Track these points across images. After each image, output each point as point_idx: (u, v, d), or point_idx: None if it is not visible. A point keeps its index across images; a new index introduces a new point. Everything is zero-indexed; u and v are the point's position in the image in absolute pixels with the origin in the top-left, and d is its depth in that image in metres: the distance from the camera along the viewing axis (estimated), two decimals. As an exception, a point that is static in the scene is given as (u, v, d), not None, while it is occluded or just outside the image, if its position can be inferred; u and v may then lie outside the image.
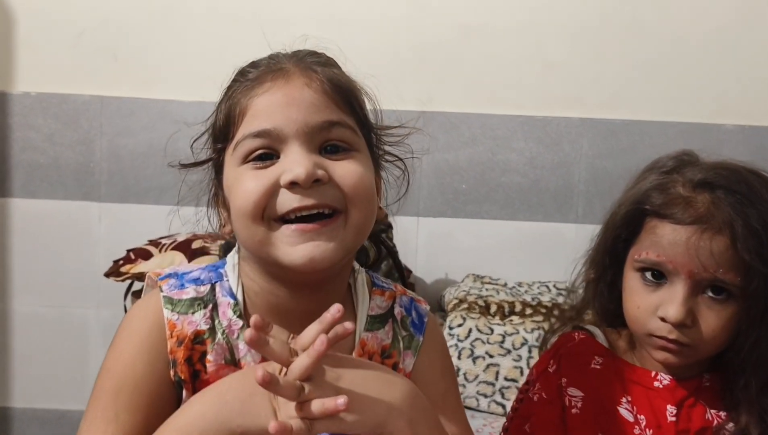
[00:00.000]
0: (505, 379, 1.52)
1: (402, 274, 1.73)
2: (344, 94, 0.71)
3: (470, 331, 1.60)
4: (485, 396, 1.54)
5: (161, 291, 0.72)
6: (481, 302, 1.69)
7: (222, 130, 0.72)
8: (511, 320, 1.64)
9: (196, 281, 0.74)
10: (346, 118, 0.70)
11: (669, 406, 0.82)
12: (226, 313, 0.72)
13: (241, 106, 0.70)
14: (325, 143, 0.69)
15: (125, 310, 1.50)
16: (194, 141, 0.78)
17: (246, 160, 0.69)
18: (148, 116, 1.89)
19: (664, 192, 0.79)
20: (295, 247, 0.66)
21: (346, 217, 0.68)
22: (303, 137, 0.67)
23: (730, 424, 0.80)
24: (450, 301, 1.74)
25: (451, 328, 1.62)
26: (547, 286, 1.81)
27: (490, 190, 1.94)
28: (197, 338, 0.71)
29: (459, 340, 1.59)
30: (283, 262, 0.67)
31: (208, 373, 0.70)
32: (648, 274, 0.80)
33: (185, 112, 1.79)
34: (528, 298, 1.73)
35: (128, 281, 1.63)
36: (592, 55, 1.90)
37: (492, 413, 1.51)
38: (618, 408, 0.83)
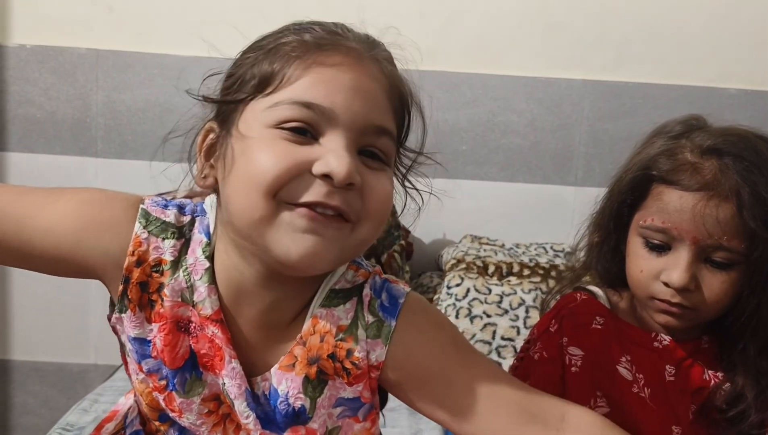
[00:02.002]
0: (502, 338, 1.54)
1: (401, 234, 1.73)
2: (402, 103, 0.67)
3: (468, 290, 1.61)
4: (482, 355, 1.56)
5: (142, 204, 0.68)
6: (479, 263, 1.70)
7: (260, 79, 0.63)
8: (509, 281, 1.65)
9: (180, 207, 0.70)
10: (395, 128, 0.66)
11: (668, 366, 0.83)
12: (195, 251, 0.68)
13: (299, 65, 0.62)
14: (367, 147, 0.64)
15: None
16: (206, 77, 0.68)
17: (278, 125, 0.61)
18: (145, 70, 1.87)
19: (672, 158, 0.79)
20: (296, 234, 0.60)
21: (355, 227, 0.63)
22: (353, 132, 0.62)
23: (727, 385, 0.81)
24: (448, 260, 1.75)
25: (449, 287, 1.63)
26: (545, 248, 1.82)
27: (490, 152, 1.93)
28: (157, 267, 0.67)
29: (457, 300, 1.60)
30: (274, 249, 0.61)
31: (164, 308, 0.67)
32: (653, 240, 0.80)
33: (182, 67, 1.77)
34: (525, 259, 1.74)
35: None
36: (596, 16, 1.88)
37: (488, 372, 1.54)
38: (617, 367, 0.84)
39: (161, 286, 0.67)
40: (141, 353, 0.69)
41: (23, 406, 2.02)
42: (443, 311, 1.59)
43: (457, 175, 1.94)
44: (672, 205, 0.78)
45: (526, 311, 1.56)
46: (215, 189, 0.67)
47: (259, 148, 0.61)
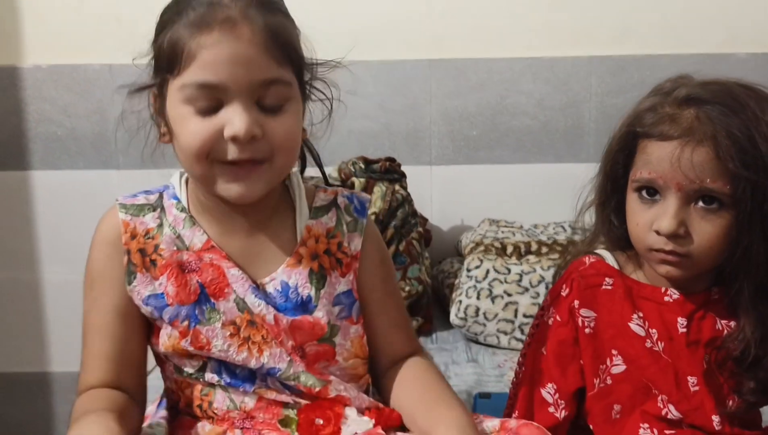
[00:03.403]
0: (524, 316, 1.56)
1: (418, 222, 1.76)
2: (283, 46, 0.77)
3: (488, 271, 1.63)
4: (505, 333, 1.57)
5: (117, 201, 0.86)
6: (497, 244, 1.72)
7: (167, 61, 0.77)
8: (528, 259, 1.66)
9: (146, 192, 0.87)
10: (284, 71, 0.77)
11: (679, 319, 0.85)
12: (172, 211, 0.85)
13: (188, 48, 0.74)
14: (262, 99, 0.77)
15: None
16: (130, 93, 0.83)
17: (189, 103, 0.76)
18: (157, 81, 1.91)
19: (653, 112, 0.82)
20: (229, 184, 0.78)
21: (272, 162, 0.78)
22: (245, 94, 0.75)
23: (737, 332, 0.82)
24: (467, 245, 1.77)
25: (468, 270, 1.65)
26: (563, 227, 1.83)
27: (501, 135, 1.94)
28: (147, 235, 0.84)
29: (477, 281, 1.62)
30: (220, 194, 0.79)
31: (164, 259, 0.83)
32: (644, 192, 0.82)
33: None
34: (544, 238, 1.75)
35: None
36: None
37: (513, 349, 1.55)
38: (629, 324, 0.86)
39: (156, 246, 0.83)
40: (158, 307, 0.83)
41: (66, 416, 2.05)
42: (464, 293, 1.61)
43: (470, 160, 1.95)
44: (654, 155, 0.80)
45: (546, 288, 1.57)
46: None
47: (182, 125, 0.77)
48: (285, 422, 0.83)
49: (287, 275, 0.84)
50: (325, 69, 0.86)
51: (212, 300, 0.83)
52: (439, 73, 1.91)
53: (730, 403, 0.84)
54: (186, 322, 0.82)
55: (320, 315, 0.84)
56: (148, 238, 0.83)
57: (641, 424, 0.84)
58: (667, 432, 0.83)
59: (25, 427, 2.08)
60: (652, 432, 0.84)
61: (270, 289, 0.84)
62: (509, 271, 1.62)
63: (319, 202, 0.89)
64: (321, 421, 0.82)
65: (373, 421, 0.82)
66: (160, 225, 0.84)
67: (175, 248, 0.83)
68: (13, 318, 2.03)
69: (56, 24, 1.90)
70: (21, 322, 2.03)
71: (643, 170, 0.82)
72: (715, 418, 0.83)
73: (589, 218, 0.96)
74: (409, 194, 1.77)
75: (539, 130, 1.93)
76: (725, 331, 0.84)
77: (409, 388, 0.86)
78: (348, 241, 0.88)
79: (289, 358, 0.82)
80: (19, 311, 2.02)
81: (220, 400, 0.84)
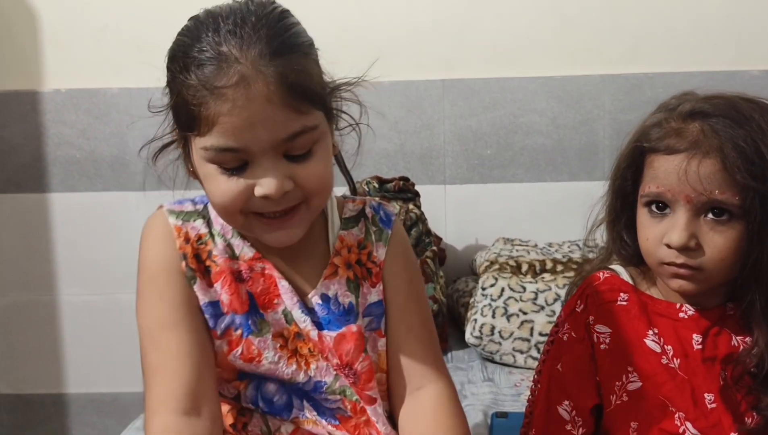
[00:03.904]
0: (540, 334, 1.55)
1: (432, 241, 1.76)
2: (304, 92, 0.73)
3: (503, 290, 1.62)
4: (521, 352, 1.56)
5: (162, 207, 0.85)
6: (512, 262, 1.71)
7: (186, 121, 0.74)
8: (543, 278, 1.66)
9: (192, 201, 0.87)
10: (307, 118, 0.74)
11: (695, 335, 0.84)
12: (218, 220, 0.84)
13: (205, 113, 0.71)
14: (288, 151, 0.75)
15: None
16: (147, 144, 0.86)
17: (215, 162, 0.74)
18: (174, 105, 1.94)
19: (659, 127, 0.82)
20: (268, 234, 0.78)
21: (308, 204, 0.78)
22: (270, 152, 0.73)
23: (756, 349, 0.81)
24: (481, 263, 1.77)
25: (483, 289, 1.65)
26: (578, 245, 1.82)
27: (515, 154, 1.95)
28: (200, 239, 0.83)
29: (492, 300, 1.61)
30: (258, 238, 0.80)
31: (219, 266, 0.82)
32: (653, 207, 0.82)
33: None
34: (559, 256, 1.74)
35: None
36: (609, 8, 1.89)
37: (529, 368, 1.54)
38: (645, 340, 0.85)
39: (210, 252, 0.83)
40: (215, 314, 0.82)
41: (82, 438, 2.09)
42: (479, 312, 1.61)
43: (483, 179, 1.96)
44: (661, 169, 0.81)
45: (562, 306, 1.57)
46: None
47: (210, 183, 0.76)
48: None
49: (326, 287, 0.85)
50: (349, 88, 0.84)
51: (261, 311, 0.83)
52: (452, 92, 1.93)
53: (749, 420, 0.83)
54: (239, 331, 0.82)
55: (362, 324, 0.85)
56: (201, 244, 0.83)
57: (659, 442, 0.83)
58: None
59: (42, 449, 2.09)
60: (670, 450, 0.83)
61: (313, 303, 0.84)
62: (524, 289, 1.62)
63: (348, 213, 0.90)
64: None
65: None
66: (210, 233, 0.84)
67: (227, 256, 0.83)
68: (31, 339, 2.05)
69: (76, 49, 1.94)
70: (38, 344, 2.05)
71: (651, 184, 0.82)
72: (734, 436, 0.82)
73: (600, 236, 0.96)
74: (423, 213, 1.78)
75: (553, 149, 1.94)
76: (741, 347, 0.83)
77: (421, 425, 0.83)
78: (375, 250, 0.88)
79: (335, 373, 0.83)
80: (37, 332, 2.04)
81: (256, 424, 0.84)
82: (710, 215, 0.79)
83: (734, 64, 1.88)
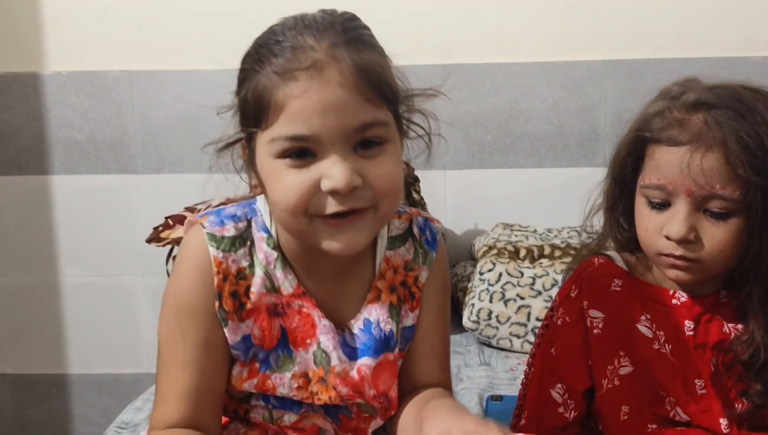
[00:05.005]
0: (537, 319, 1.56)
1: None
2: (377, 84, 0.71)
3: (500, 275, 1.63)
4: (518, 337, 1.57)
5: (203, 227, 0.78)
6: (510, 248, 1.72)
7: (253, 114, 0.72)
8: (541, 263, 1.67)
9: (234, 217, 0.80)
10: (379, 112, 0.71)
11: (687, 322, 0.85)
12: (262, 247, 0.79)
13: (275, 99, 0.69)
14: (359, 142, 0.71)
15: (167, 274, 1.56)
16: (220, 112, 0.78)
17: (282, 155, 0.71)
18: (176, 87, 1.94)
19: (662, 117, 0.82)
20: (332, 237, 0.72)
21: (376, 209, 0.73)
22: (340, 141, 0.70)
23: (747, 337, 0.82)
24: (480, 248, 1.77)
25: (481, 274, 1.65)
26: (577, 231, 1.81)
27: (516, 139, 1.95)
28: (240, 274, 0.78)
29: (490, 284, 1.62)
30: (319, 245, 0.73)
31: (252, 303, 0.78)
32: (653, 198, 0.82)
33: (212, 81, 1.84)
34: (557, 242, 1.75)
35: (168, 247, 1.70)
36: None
37: (525, 353, 1.55)
38: (637, 326, 0.86)
39: (248, 288, 0.78)
40: (244, 350, 0.79)
41: (84, 417, 2.11)
42: (477, 296, 1.62)
43: (484, 164, 1.96)
44: (663, 161, 0.80)
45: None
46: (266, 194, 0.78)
47: (276, 180, 0.72)
48: None
49: (368, 312, 0.82)
50: (421, 99, 0.80)
51: (291, 347, 0.80)
52: (453, 77, 1.92)
53: (738, 406, 0.84)
54: (258, 365, 0.79)
55: (398, 351, 0.82)
56: (240, 279, 0.78)
57: (649, 426, 0.84)
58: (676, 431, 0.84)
59: (43, 429, 2.11)
60: (661, 434, 0.84)
61: (355, 329, 0.81)
62: (522, 274, 1.63)
63: (395, 231, 0.85)
64: None
65: None
66: (251, 264, 0.79)
67: (264, 290, 0.79)
68: (33, 320, 2.06)
69: (77, 32, 1.94)
70: (40, 325, 2.06)
71: (652, 176, 0.81)
72: (723, 421, 0.83)
73: (598, 222, 0.96)
74: (422, 198, 1.78)
75: (554, 135, 1.94)
76: (732, 334, 0.84)
77: (414, 410, 0.82)
78: (420, 274, 0.85)
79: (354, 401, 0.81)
80: (39, 314, 2.06)
81: (259, 413, 0.83)
82: (711, 208, 0.79)
83: (738, 50, 1.87)
